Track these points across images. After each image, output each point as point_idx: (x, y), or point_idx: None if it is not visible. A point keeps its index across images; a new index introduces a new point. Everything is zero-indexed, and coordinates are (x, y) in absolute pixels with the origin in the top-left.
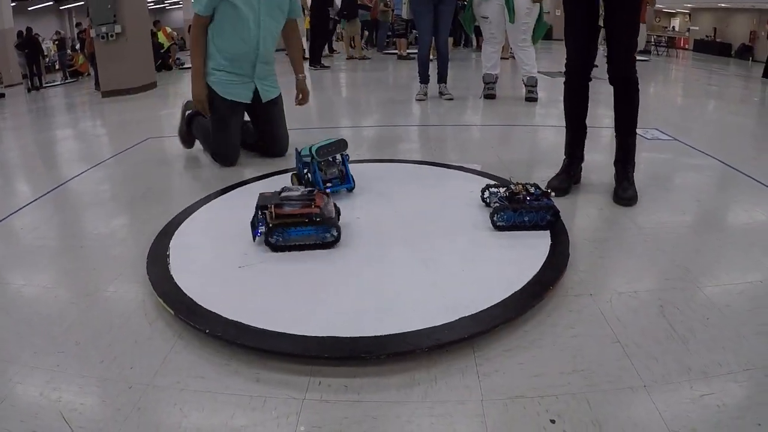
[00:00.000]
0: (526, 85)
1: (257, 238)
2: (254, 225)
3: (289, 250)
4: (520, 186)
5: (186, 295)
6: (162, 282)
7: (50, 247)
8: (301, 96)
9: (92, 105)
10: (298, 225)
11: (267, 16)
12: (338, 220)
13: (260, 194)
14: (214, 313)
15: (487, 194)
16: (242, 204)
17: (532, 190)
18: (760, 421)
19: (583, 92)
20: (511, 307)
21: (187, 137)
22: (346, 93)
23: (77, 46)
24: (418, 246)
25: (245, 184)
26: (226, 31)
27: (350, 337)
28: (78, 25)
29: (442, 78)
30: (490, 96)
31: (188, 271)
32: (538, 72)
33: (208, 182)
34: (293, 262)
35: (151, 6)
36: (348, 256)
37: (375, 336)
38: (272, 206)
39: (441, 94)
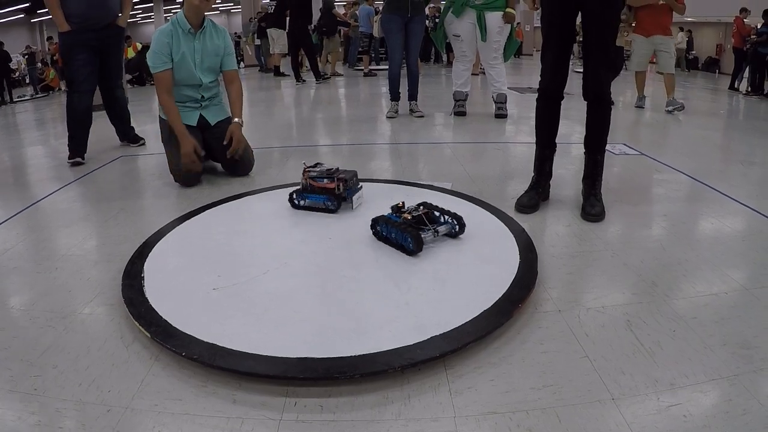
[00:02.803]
0: (495, 102)
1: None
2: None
3: None
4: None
5: (162, 317)
6: (138, 304)
7: (24, 269)
8: (230, 142)
9: (63, 121)
10: None
11: (204, 77)
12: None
13: None
14: (190, 335)
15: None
16: (215, 224)
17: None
18: (726, 430)
19: (555, 110)
20: (482, 324)
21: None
22: (320, 110)
23: (48, 60)
24: (389, 266)
25: (218, 204)
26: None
27: (325, 358)
28: (49, 39)
29: (412, 96)
30: (460, 113)
31: (163, 293)
32: (508, 88)
33: (180, 202)
34: (267, 283)
35: None
36: (321, 276)
37: (349, 356)
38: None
39: (412, 111)
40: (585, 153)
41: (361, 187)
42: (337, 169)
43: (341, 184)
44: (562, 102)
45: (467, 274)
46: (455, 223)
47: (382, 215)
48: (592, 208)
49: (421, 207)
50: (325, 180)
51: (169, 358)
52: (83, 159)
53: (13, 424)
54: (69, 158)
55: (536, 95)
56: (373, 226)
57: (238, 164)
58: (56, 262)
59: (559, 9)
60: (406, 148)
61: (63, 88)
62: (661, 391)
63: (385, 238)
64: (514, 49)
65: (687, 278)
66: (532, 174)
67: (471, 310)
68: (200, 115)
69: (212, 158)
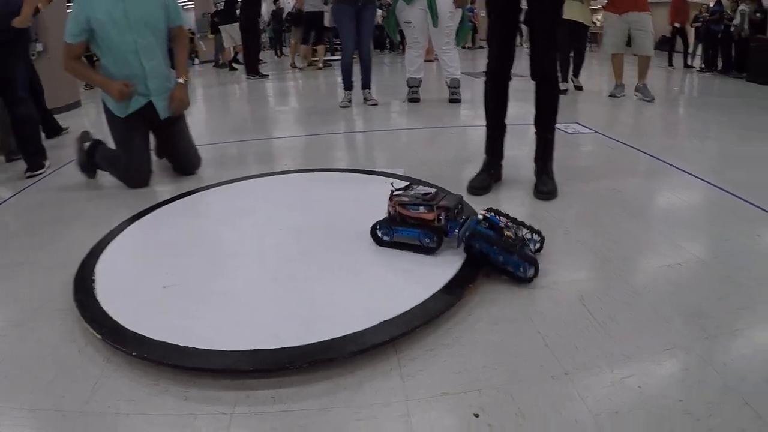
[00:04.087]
0: (449, 87)
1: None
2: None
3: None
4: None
5: (112, 318)
6: (88, 307)
7: None
8: (172, 103)
9: None
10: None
11: (139, 37)
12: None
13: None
14: (141, 334)
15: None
16: (166, 222)
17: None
18: (682, 398)
19: (503, 92)
20: (432, 307)
21: (88, 167)
22: (274, 103)
23: None
24: (340, 256)
25: (169, 202)
26: (107, 56)
27: (274, 349)
28: None
29: (365, 84)
30: (414, 100)
31: (114, 294)
32: (463, 73)
33: (130, 205)
34: (217, 278)
35: None
36: (271, 267)
37: (299, 346)
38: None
39: (365, 99)
40: (535, 133)
41: (467, 218)
42: (437, 193)
43: (442, 214)
44: (510, 83)
45: (419, 258)
46: (538, 239)
47: (477, 230)
48: (544, 186)
49: (508, 220)
50: (421, 208)
51: (121, 359)
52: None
53: None
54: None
55: None
56: (469, 247)
57: (180, 163)
58: (4, 270)
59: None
60: (361, 136)
61: None
62: (615, 363)
63: (483, 255)
64: (466, 34)
65: (641, 252)
66: (484, 156)
67: (421, 294)
68: (150, 102)
69: (161, 155)
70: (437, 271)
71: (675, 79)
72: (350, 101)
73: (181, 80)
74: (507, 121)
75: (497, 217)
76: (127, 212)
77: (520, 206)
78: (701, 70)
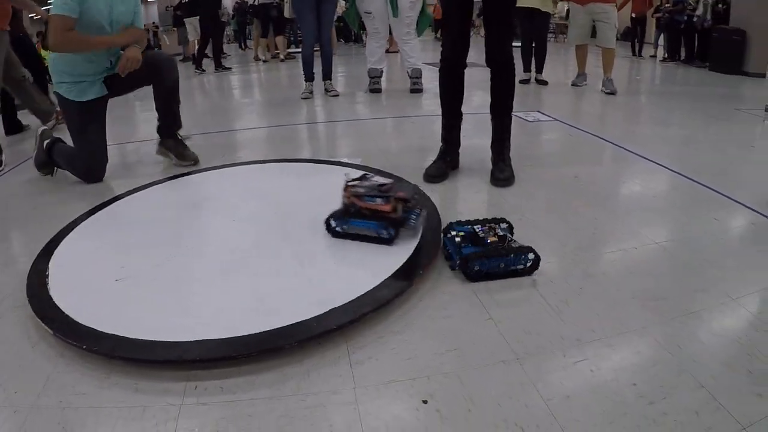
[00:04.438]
0: (411, 77)
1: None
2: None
3: None
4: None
5: (64, 312)
6: (41, 302)
7: None
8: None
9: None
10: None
11: (113, 29)
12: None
13: None
14: (92, 328)
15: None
16: (121, 215)
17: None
18: (635, 381)
19: (458, 80)
20: (381, 294)
21: (47, 166)
22: (237, 96)
23: None
24: (293, 244)
25: (121, 198)
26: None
27: (222, 339)
28: None
29: (326, 75)
30: (375, 90)
31: (67, 289)
32: (425, 63)
33: (86, 200)
34: (169, 270)
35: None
36: (222, 258)
37: (247, 335)
38: None
39: (326, 90)
40: (491, 119)
41: (422, 209)
42: (393, 183)
43: (400, 205)
44: (465, 72)
45: (371, 246)
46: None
47: (468, 254)
48: (500, 173)
49: (479, 224)
50: (378, 200)
51: (73, 353)
52: None
53: None
54: None
55: None
56: (470, 271)
57: (161, 69)
58: None
59: None
60: (321, 127)
61: None
62: (568, 348)
63: (487, 274)
64: (426, 24)
65: (597, 236)
66: (441, 144)
67: (372, 281)
68: (103, 79)
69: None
70: (388, 259)
71: (638, 69)
72: (311, 92)
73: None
74: (466, 109)
75: (469, 227)
76: (83, 207)
77: (476, 193)
78: (664, 60)
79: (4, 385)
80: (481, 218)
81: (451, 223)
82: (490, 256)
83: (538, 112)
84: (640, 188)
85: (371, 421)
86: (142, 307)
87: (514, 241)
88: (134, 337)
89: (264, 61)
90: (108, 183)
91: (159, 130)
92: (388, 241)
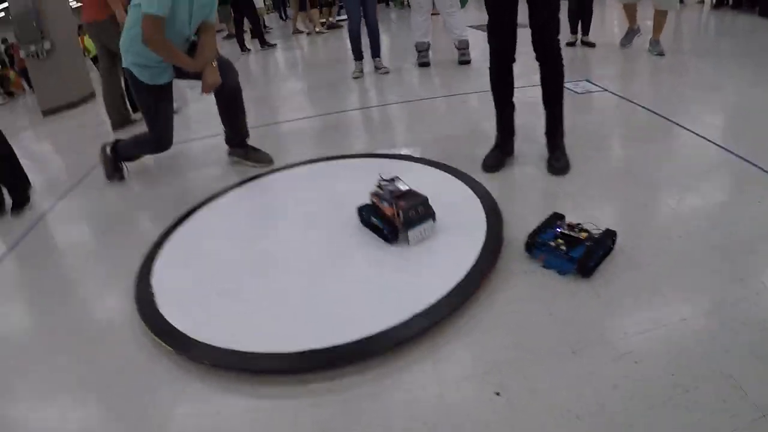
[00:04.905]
0: (458, 48)
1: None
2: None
3: None
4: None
5: (180, 331)
6: (156, 322)
7: (37, 302)
8: (204, 87)
9: (35, 127)
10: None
11: (192, 24)
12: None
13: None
14: (209, 344)
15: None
16: (200, 230)
17: None
18: (673, 372)
19: (509, 72)
20: (454, 298)
21: (117, 170)
22: (284, 77)
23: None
24: (370, 253)
25: (197, 210)
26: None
27: (326, 348)
28: (4, 40)
29: (375, 52)
30: (424, 64)
31: (175, 307)
32: (472, 27)
33: (172, 203)
34: (260, 283)
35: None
36: (307, 266)
37: (346, 343)
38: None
39: (376, 68)
40: (544, 108)
41: (430, 219)
42: (404, 193)
43: (400, 213)
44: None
45: (440, 250)
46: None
47: (583, 253)
48: (557, 162)
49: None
50: (385, 204)
51: (193, 366)
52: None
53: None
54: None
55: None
56: (587, 269)
57: (223, 74)
58: (71, 284)
59: None
60: (376, 113)
61: (25, 88)
62: (615, 340)
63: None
64: None
65: (647, 225)
66: (496, 133)
67: (445, 285)
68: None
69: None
70: (458, 261)
71: (686, 20)
72: (362, 71)
73: (213, 64)
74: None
75: (550, 232)
76: (165, 218)
77: (532, 182)
78: (714, 6)
79: (138, 398)
80: (544, 220)
81: (531, 236)
82: (595, 251)
83: (587, 81)
84: (689, 168)
85: (451, 411)
86: (246, 321)
87: (596, 227)
88: (248, 351)
89: (308, 34)
90: (179, 193)
91: (227, 140)
92: (389, 240)
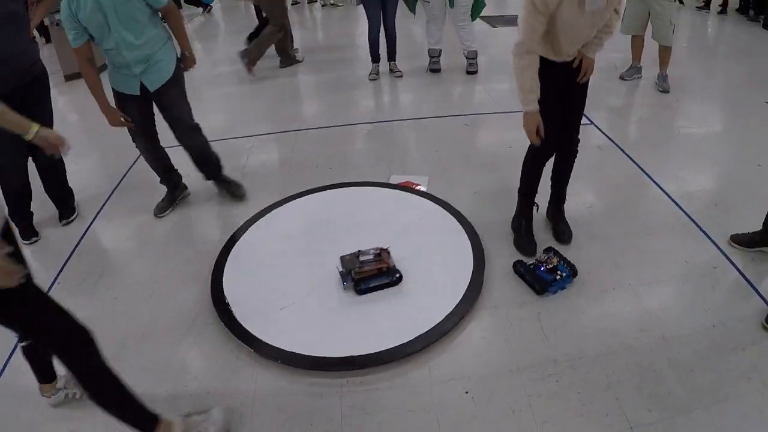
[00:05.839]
0: (467, 58)
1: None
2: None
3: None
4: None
5: (256, 337)
6: (235, 328)
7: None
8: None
9: (59, 87)
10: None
11: (122, 31)
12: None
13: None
14: (276, 347)
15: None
16: (258, 245)
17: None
18: (540, 393)
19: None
20: (447, 324)
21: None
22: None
23: None
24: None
25: (251, 224)
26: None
27: (360, 355)
28: None
29: (391, 56)
30: (435, 70)
31: (248, 316)
32: (481, 18)
33: (225, 213)
34: (312, 301)
35: None
36: (339, 288)
37: (377, 352)
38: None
39: (391, 71)
40: (553, 186)
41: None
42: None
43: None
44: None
45: (439, 283)
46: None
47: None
48: (562, 234)
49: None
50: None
51: (267, 362)
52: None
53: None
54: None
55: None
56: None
57: (177, 129)
58: (153, 286)
59: (555, 88)
60: (387, 128)
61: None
62: (549, 364)
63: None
64: (480, 9)
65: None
66: (518, 219)
67: (441, 312)
68: (140, 82)
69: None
70: (451, 294)
71: (690, 31)
72: (378, 73)
73: (187, 53)
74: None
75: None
76: (217, 231)
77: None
78: (722, 10)
79: (221, 388)
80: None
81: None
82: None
83: (587, 119)
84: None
85: (438, 401)
86: (308, 330)
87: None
88: (306, 354)
89: (322, 5)
90: (231, 212)
91: (204, 175)
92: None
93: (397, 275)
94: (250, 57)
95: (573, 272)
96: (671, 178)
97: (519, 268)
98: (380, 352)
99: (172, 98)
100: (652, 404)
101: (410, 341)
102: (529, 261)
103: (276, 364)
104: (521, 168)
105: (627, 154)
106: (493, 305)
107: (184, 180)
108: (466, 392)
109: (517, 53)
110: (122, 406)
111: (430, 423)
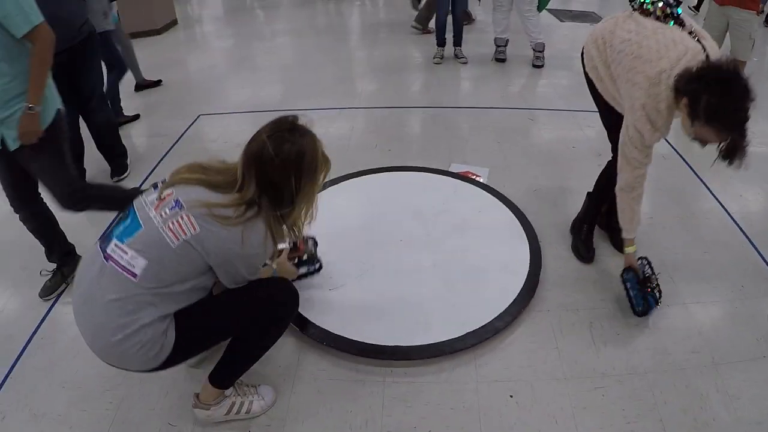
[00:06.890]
0: (534, 51)
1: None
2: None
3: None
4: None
5: (303, 316)
6: (300, 321)
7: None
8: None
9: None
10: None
11: None
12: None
13: None
14: (325, 329)
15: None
16: (321, 214)
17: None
18: (586, 406)
19: None
20: (497, 323)
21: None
22: (359, 54)
23: None
24: (442, 273)
25: (322, 190)
26: None
27: (410, 346)
28: None
29: (457, 42)
30: (500, 59)
31: (306, 306)
32: (548, 10)
33: None
34: (361, 287)
35: None
36: (394, 278)
37: (422, 345)
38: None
39: (456, 57)
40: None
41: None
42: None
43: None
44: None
45: (493, 280)
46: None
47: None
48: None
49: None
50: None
51: (312, 344)
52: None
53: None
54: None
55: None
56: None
57: (54, 198)
58: None
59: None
60: (449, 114)
61: None
62: (597, 377)
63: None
64: (546, 1)
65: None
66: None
67: (492, 311)
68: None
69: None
70: (504, 293)
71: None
72: (442, 57)
73: (28, 105)
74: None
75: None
76: None
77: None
78: None
79: (263, 361)
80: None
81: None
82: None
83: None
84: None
85: (481, 401)
86: (353, 315)
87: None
88: (355, 339)
89: None
90: None
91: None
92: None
93: (318, 265)
94: (423, 24)
95: (657, 301)
96: (734, 196)
97: (628, 278)
98: (428, 345)
99: (42, 164)
100: (695, 429)
101: (460, 337)
102: (640, 273)
103: (320, 346)
104: (599, 177)
105: (690, 167)
106: (546, 308)
107: None
108: (511, 396)
109: (625, 189)
110: None
111: (471, 423)
